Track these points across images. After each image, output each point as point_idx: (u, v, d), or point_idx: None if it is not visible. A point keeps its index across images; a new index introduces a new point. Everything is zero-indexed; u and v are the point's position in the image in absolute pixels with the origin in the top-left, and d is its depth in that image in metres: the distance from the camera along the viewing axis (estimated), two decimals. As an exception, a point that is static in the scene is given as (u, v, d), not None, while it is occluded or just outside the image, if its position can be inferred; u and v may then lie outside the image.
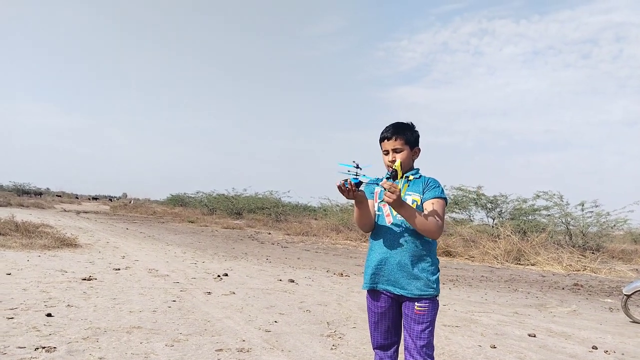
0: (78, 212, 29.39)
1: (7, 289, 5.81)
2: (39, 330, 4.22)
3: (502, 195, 20.78)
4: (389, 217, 2.47)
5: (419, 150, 2.59)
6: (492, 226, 19.96)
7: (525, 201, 20.11)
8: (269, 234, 21.46)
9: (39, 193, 64.37)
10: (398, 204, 2.25)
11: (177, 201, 52.59)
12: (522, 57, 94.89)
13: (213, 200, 40.87)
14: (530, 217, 19.82)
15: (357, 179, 2.32)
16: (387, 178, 2.38)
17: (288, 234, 20.81)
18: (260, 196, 38.55)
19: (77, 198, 72.63)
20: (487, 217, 21.52)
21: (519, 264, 14.03)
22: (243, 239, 17.42)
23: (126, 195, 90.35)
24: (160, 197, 72.58)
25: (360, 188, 2.37)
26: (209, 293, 6.59)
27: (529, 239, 15.85)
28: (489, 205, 21.06)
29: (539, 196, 19.36)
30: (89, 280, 6.85)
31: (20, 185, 62.47)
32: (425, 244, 2.44)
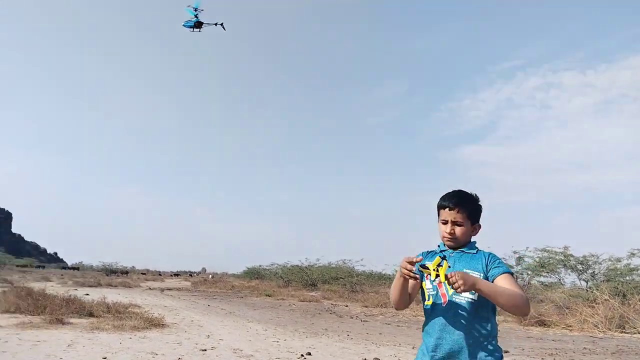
0: (162, 290, 30.49)
1: (105, 374, 6.09)
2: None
3: (593, 255, 19.40)
4: (445, 296, 2.26)
5: (480, 227, 2.42)
6: (586, 290, 18.51)
7: (619, 260, 18.63)
8: (346, 306, 21.13)
9: (125, 272, 67.84)
10: (471, 286, 2.03)
11: (253, 274, 53.43)
12: (594, 108, 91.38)
13: (287, 271, 41.17)
14: (627, 278, 18.24)
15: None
16: (441, 257, 2.18)
17: (366, 306, 20.38)
18: (334, 266, 38.40)
19: (160, 275, 75.60)
20: (579, 279, 20.05)
21: (624, 332, 12.81)
22: (321, 313, 17.26)
23: (205, 270, 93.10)
24: (236, 270, 74.12)
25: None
26: (295, 374, 6.54)
27: (630, 302, 14.52)
28: (579, 266, 19.68)
29: (633, 254, 17.92)
30: (179, 362, 7.03)
31: (108, 265, 66.36)
32: (485, 326, 2.23)
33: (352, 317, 16.07)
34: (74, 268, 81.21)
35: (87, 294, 17.76)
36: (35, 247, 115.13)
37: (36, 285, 20.81)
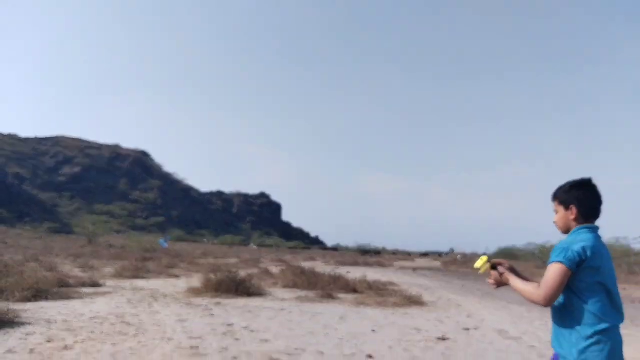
0: (414, 269, 31.56)
1: (376, 346, 6.56)
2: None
3: None
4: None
5: (575, 208, 2.52)
6: None
7: None
8: (624, 289, 18.45)
9: (377, 252, 72.43)
10: (503, 284, 2.66)
11: (507, 254, 50.99)
12: None
13: (547, 251, 38.04)
14: None
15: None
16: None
17: (652, 290, 17.47)
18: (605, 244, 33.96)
19: (410, 255, 78.39)
20: None
21: None
22: None
23: (453, 250, 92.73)
24: (486, 250, 71.75)
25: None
26: (574, 362, 5.97)
27: None
28: None
29: None
30: (444, 340, 7.14)
31: (362, 246, 71.87)
32: (565, 314, 2.40)
33: (633, 302, 13.98)
34: (333, 249, 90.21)
35: (349, 272, 19.47)
36: (300, 231, 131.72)
37: (306, 264, 23.78)
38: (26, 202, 74.98)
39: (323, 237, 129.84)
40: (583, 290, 2.33)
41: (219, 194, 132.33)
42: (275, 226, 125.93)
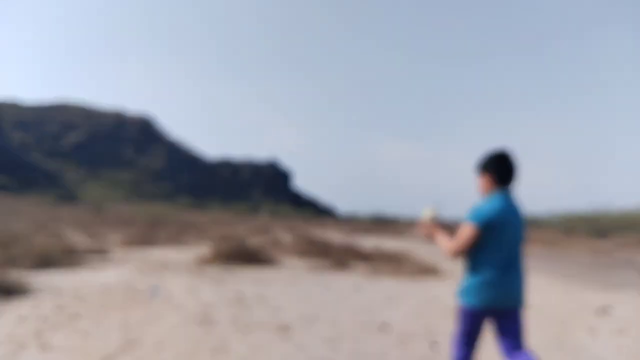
0: (429, 238, 31.67)
1: (390, 315, 6.65)
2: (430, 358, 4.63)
3: None
4: None
5: (485, 175, 3.14)
6: None
7: None
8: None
9: (392, 220, 72.63)
10: (428, 236, 3.32)
11: (527, 222, 50.93)
12: None
13: (569, 219, 37.97)
14: None
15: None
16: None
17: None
18: (630, 212, 33.81)
19: (425, 224, 78.56)
20: None
21: None
22: (616, 265, 15.44)
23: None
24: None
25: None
26: (593, 330, 6.02)
27: None
28: None
29: None
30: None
31: (376, 214, 72.14)
32: (466, 260, 3.12)
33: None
34: (346, 217, 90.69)
35: (362, 241, 19.60)
36: (311, 200, 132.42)
37: (317, 233, 23.97)
38: (31, 170, 75.95)
39: (335, 206, 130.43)
40: (486, 244, 2.97)
41: (227, 162, 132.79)
42: (285, 194, 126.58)
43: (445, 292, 8.78)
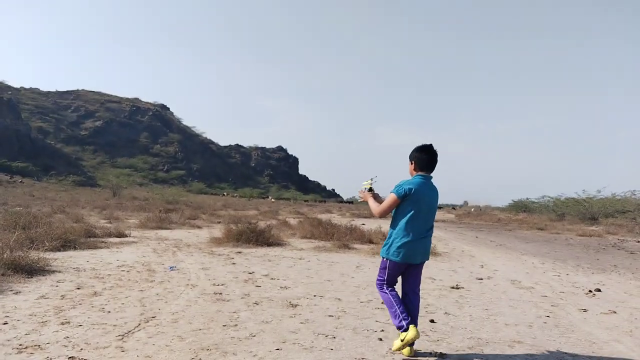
0: (428, 221, 31.69)
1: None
2: (427, 335, 4.66)
3: None
4: None
5: (414, 162, 4.12)
6: None
7: None
8: (638, 242, 18.37)
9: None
10: (365, 200, 4.35)
11: (520, 207, 50.89)
12: None
13: (561, 204, 37.84)
14: None
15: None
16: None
17: (666, 242, 17.35)
18: (619, 197, 33.62)
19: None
20: None
21: None
22: (606, 248, 15.41)
23: (467, 203, 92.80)
24: (500, 203, 71.82)
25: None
26: (585, 310, 6.03)
27: None
28: None
29: None
30: (457, 289, 7.23)
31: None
32: (393, 223, 4.08)
33: None
34: (349, 202, 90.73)
35: (364, 224, 19.62)
36: (317, 185, 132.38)
37: (323, 217, 24.00)
38: (50, 156, 76.14)
39: (339, 190, 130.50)
40: (405, 213, 3.95)
41: (238, 148, 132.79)
42: (292, 179, 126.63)
43: (443, 273, 8.81)
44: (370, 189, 4.39)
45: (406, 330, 3.84)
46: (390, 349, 4.08)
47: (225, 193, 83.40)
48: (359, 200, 4.43)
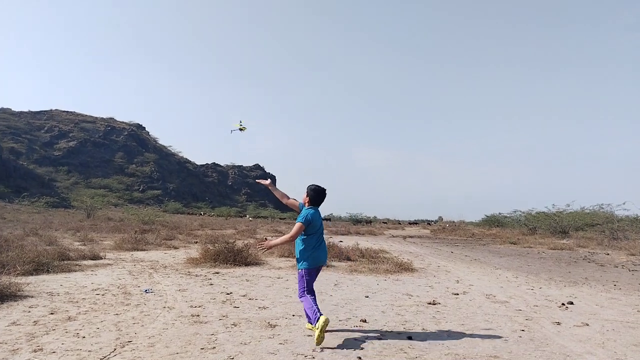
0: (404, 237, 31.86)
1: (369, 311, 6.66)
2: (405, 352, 4.65)
3: None
4: None
5: (308, 197, 5.53)
6: None
7: None
8: (607, 254, 18.78)
9: (369, 221, 72.88)
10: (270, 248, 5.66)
11: (493, 222, 51.56)
12: None
13: (532, 218, 38.49)
14: None
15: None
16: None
17: (632, 254, 17.77)
18: (588, 211, 34.38)
19: (400, 224, 79.03)
20: None
21: None
22: (577, 261, 15.71)
23: (442, 219, 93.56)
24: (474, 218, 72.80)
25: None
26: (558, 323, 6.11)
27: None
28: None
29: None
30: (434, 304, 7.26)
31: (354, 216, 72.25)
32: (300, 243, 5.42)
33: (616, 267, 14.22)
34: (326, 219, 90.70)
35: (341, 241, 19.62)
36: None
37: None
38: (23, 177, 74.25)
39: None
40: (307, 234, 5.35)
41: (214, 167, 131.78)
42: (269, 197, 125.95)
43: (420, 289, 8.84)
44: (270, 181, 6.27)
45: (318, 319, 4.92)
46: (316, 346, 4.83)
47: (202, 212, 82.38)
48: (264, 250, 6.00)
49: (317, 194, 5.53)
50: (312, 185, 5.54)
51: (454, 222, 73.11)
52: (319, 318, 4.87)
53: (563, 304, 7.50)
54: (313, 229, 5.37)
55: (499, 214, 52.04)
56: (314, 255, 5.33)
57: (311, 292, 5.32)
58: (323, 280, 9.53)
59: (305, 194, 5.55)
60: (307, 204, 5.52)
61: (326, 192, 5.59)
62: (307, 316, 5.16)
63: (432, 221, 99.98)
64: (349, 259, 13.35)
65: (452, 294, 8.39)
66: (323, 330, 4.78)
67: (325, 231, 36.08)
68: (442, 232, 43.16)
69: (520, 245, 24.17)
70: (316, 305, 5.13)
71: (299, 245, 5.37)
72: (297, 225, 5.23)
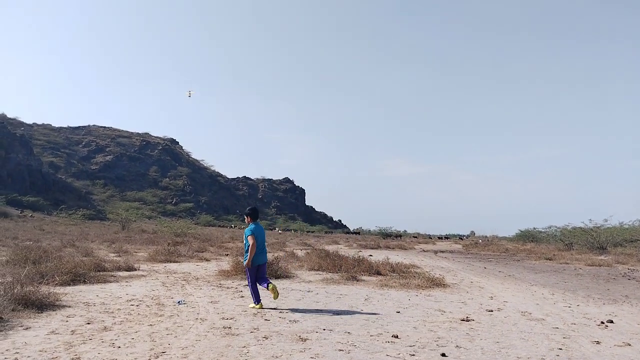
0: (435, 252, 31.40)
1: (401, 327, 6.57)
2: (439, 369, 4.56)
3: None
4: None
5: (249, 216, 8.00)
6: None
7: None
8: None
9: (398, 235, 72.19)
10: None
11: (527, 237, 50.32)
12: None
13: (568, 234, 37.39)
14: None
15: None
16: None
17: (676, 272, 17.03)
18: (627, 226, 33.26)
19: (431, 238, 77.96)
20: None
21: None
22: (616, 279, 15.15)
23: (474, 233, 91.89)
24: (507, 233, 71.21)
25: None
26: (598, 342, 5.90)
27: None
28: None
29: None
30: (467, 321, 7.11)
31: (383, 229, 71.69)
32: (249, 249, 7.69)
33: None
34: (355, 232, 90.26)
35: (371, 255, 19.48)
36: (323, 215, 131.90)
37: (330, 248, 23.86)
38: (61, 190, 76.70)
39: (345, 221, 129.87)
40: (256, 241, 7.66)
41: (245, 180, 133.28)
42: (299, 210, 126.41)
43: (453, 305, 8.68)
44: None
45: (259, 302, 7.72)
46: (251, 308, 7.62)
47: (233, 225, 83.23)
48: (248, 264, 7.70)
49: (254, 212, 8.01)
50: (248, 207, 8.17)
51: (486, 236, 71.72)
52: (259, 301, 7.70)
53: (602, 323, 7.24)
54: (257, 239, 7.70)
55: (534, 228, 50.79)
56: (255, 257, 7.67)
57: (254, 282, 7.72)
58: (353, 295, 9.49)
59: (246, 215, 8.00)
60: (250, 222, 7.93)
61: (257, 208, 8.27)
62: (252, 297, 7.77)
63: (464, 236, 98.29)
64: (379, 274, 13.23)
65: (486, 310, 8.21)
66: (261, 307, 7.60)
67: (354, 245, 36.10)
68: (475, 247, 42.35)
69: (556, 262, 23.48)
70: (257, 290, 7.76)
71: (246, 250, 7.71)
72: (251, 237, 7.62)
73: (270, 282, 7.67)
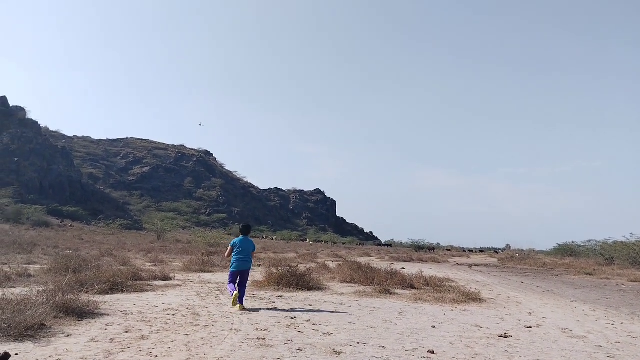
0: (470, 266, 30.74)
1: (437, 342, 6.44)
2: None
3: None
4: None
5: (240, 230, 9.76)
6: None
7: None
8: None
9: (431, 248, 71.07)
10: None
11: (566, 251, 48.77)
12: None
13: (609, 248, 36.07)
14: None
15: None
16: None
17: None
18: (673, 241, 31.77)
19: (465, 251, 76.45)
20: None
21: None
22: (662, 295, 14.49)
23: (509, 247, 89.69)
24: (544, 247, 69.26)
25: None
26: (645, 363, 5.63)
27: None
28: None
29: None
30: (505, 337, 6.92)
31: (416, 242, 70.73)
32: (230, 258, 9.46)
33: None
34: (387, 245, 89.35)
35: (404, 268, 19.23)
36: (354, 227, 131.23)
37: (361, 260, 23.68)
38: (100, 200, 78.86)
39: (377, 233, 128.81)
40: (235, 252, 9.19)
41: (277, 191, 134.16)
42: (330, 222, 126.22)
43: (489, 321, 8.46)
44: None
45: (232, 295, 8.59)
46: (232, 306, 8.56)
47: (264, 236, 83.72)
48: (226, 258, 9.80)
49: (244, 228, 9.63)
50: (242, 224, 9.98)
51: (522, 250, 69.85)
52: (233, 295, 8.60)
53: (649, 342, 6.93)
54: (237, 249, 9.08)
55: (572, 242, 49.22)
56: (236, 264, 8.96)
57: (233, 282, 8.87)
58: (386, 309, 9.37)
59: (239, 230, 9.69)
60: (239, 235, 9.49)
61: (250, 225, 10.07)
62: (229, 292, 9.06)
63: (499, 249, 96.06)
64: (412, 287, 13.03)
65: (525, 326, 7.97)
66: (234, 302, 8.47)
67: (386, 257, 35.74)
68: (511, 260, 41.34)
69: (597, 277, 22.67)
70: (234, 289, 8.72)
71: (230, 258, 9.25)
72: (230, 246, 9.22)
73: (237, 292, 8.66)
